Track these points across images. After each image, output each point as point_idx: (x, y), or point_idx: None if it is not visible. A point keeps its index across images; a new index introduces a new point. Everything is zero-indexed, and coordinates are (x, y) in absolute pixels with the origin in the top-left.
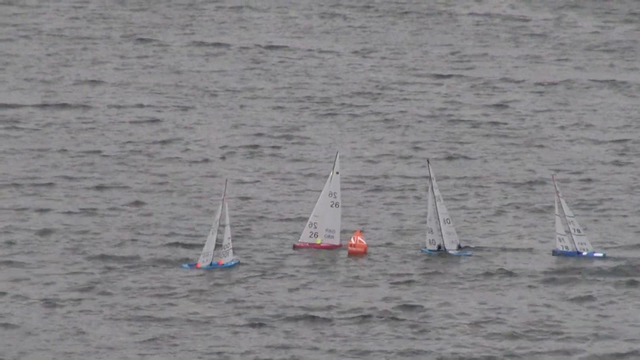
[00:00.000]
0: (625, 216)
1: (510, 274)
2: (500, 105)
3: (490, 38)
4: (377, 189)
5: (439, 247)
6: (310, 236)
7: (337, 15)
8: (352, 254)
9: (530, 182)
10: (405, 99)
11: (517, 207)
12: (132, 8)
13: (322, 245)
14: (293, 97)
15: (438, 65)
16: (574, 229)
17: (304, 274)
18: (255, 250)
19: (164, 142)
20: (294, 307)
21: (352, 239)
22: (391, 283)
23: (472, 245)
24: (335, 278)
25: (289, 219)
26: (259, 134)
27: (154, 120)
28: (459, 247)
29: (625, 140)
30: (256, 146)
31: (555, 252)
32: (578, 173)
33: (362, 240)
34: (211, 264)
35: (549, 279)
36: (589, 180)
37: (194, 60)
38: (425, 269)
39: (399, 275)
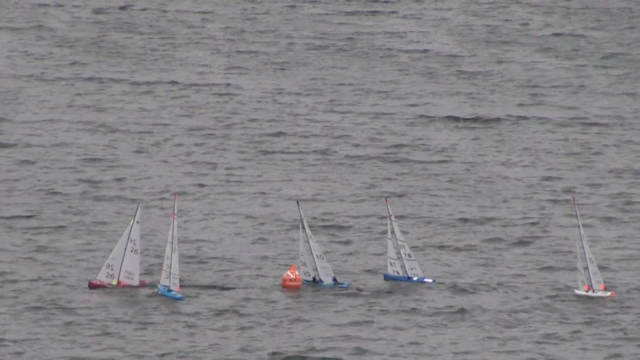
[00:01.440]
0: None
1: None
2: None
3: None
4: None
5: (314, 279)
6: (107, 276)
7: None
8: (288, 288)
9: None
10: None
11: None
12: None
13: (120, 284)
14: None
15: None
16: (405, 254)
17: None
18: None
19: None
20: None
21: (288, 273)
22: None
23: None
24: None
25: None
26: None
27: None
28: (334, 280)
29: None
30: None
31: (386, 277)
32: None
33: (298, 274)
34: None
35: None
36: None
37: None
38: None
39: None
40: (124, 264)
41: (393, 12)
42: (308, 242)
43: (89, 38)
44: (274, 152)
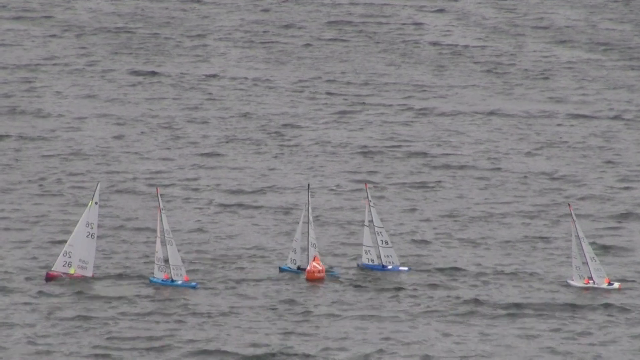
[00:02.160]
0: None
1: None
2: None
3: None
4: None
5: (299, 267)
6: (64, 265)
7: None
8: (312, 280)
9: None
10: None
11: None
12: None
13: (75, 275)
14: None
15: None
16: (382, 241)
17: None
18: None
19: None
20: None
21: (314, 264)
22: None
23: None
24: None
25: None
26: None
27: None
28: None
29: None
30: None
31: (359, 265)
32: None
33: (317, 266)
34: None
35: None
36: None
37: None
38: None
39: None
40: (79, 252)
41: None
42: (308, 227)
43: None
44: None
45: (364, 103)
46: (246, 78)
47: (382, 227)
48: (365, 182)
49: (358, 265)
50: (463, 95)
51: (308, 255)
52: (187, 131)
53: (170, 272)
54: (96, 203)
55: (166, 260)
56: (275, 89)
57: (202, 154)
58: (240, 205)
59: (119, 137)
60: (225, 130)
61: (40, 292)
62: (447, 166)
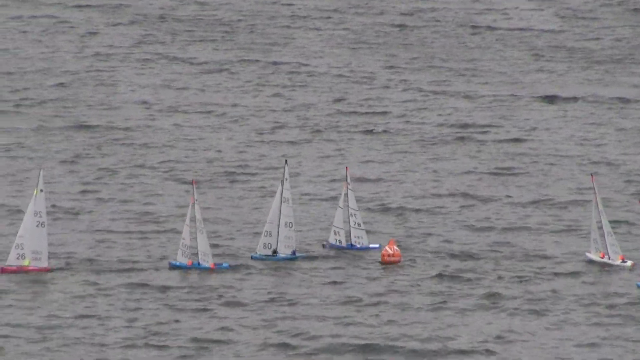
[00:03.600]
0: None
1: None
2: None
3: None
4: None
5: (274, 251)
6: (17, 258)
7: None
8: (387, 264)
9: None
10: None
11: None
12: None
13: (30, 268)
14: None
15: None
16: (355, 222)
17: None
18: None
19: None
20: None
21: (387, 248)
22: None
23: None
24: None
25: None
26: None
27: None
28: (293, 253)
29: None
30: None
31: (326, 246)
32: None
33: (397, 249)
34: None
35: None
36: None
37: None
38: None
39: None
40: (30, 243)
41: None
42: (282, 205)
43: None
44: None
45: None
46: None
47: (357, 210)
48: (347, 165)
49: (324, 245)
50: None
51: (278, 234)
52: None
53: (199, 257)
54: (41, 190)
55: (192, 247)
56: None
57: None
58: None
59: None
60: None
61: None
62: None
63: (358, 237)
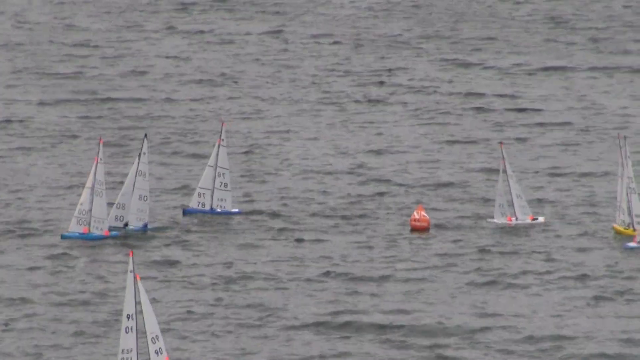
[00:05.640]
0: None
1: None
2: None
3: None
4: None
5: (126, 224)
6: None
7: None
8: (416, 229)
9: None
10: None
11: None
12: None
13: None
14: None
15: None
16: (222, 183)
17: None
18: None
19: None
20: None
21: (415, 214)
22: None
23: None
24: None
25: None
26: None
27: None
28: (145, 226)
29: None
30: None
31: (186, 212)
32: None
33: (425, 215)
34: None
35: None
36: None
37: None
38: None
39: None
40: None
41: None
42: (137, 178)
43: None
44: None
45: None
46: None
47: (227, 169)
48: (222, 120)
49: (184, 212)
50: None
51: (130, 207)
52: None
53: (90, 225)
54: None
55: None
56: None
57: None
58: None
59: None
60: None
61: None
62: None
63: (221, 200)
